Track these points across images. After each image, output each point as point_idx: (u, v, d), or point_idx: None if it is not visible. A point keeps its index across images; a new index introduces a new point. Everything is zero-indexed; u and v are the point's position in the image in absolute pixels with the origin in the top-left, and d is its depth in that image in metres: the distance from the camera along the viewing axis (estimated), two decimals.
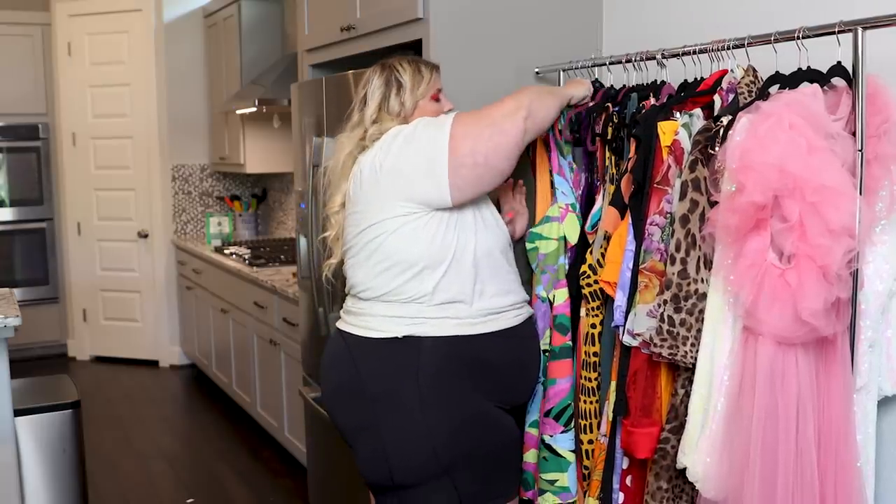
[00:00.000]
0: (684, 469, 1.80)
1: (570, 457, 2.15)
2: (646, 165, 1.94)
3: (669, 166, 1.88)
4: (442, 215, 1.97)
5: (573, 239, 2.18)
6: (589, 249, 2.12)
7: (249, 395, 4.51)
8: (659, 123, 1.92)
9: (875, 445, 1.80)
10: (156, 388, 5.52)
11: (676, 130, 1.88)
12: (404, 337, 1.96)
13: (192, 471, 4.14)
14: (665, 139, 1.90)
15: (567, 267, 2.20)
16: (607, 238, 2.06)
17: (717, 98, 1.91)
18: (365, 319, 2.02)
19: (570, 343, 2.17)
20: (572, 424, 2.14)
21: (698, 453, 1.75)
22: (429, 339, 1.96)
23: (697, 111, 1.91)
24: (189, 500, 3.76)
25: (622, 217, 2.01)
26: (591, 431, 2.12)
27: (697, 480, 1.75)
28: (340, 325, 2.11)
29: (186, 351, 5.86)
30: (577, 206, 2.24)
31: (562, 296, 2.18)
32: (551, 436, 2.17)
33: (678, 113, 1.95)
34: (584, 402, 2.13)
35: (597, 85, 2.31)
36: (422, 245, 1.96)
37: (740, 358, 1.70)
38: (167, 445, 4.47)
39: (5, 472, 2.83)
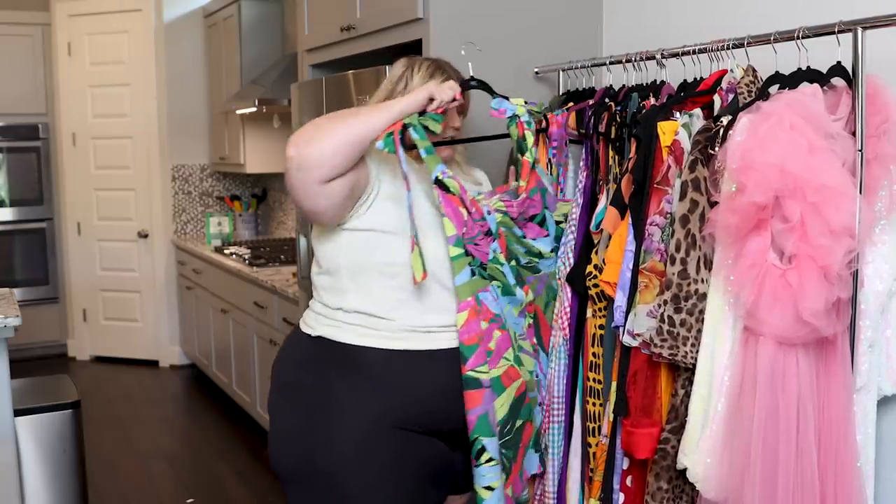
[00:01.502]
0: (685, 469, 1.80)
1: (485, 494, 1.90)
2: (646, 165, 1.94)
3: (669, 166, 1.88)
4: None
5: (418, 275, 1.84)
6: (594, 249, 2.12)
7: (249, 395, 4.51)
8: (659, 123, 1.92)
9: (875, 445, 1.80)
10: (156, 388, 5.52)
11: (676, 130, 1.89)
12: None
13: (192, 471, 4.14)
14: (665, 139, 1.90)
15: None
16: (610, 237, 2.06)
17: (716, 98, 1.91)
18: None
19: (471, 373, 1.90)
20: (482, 459, 1.87)
21: (699, 454, 1.75)
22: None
23: (697, 111, 1.91)
24: (189, 500, 3.76)
25: (622, 217, 2.01)
26: (597, 434, 2.11)
27: (698, 481, 1.75)
28: None
29: (186, 351, 5.86)
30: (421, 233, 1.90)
31: (462, 318, 1.90)
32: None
33: (678, 113, 1.95)
34: (591, 404, 2.13)
35: (468, 81, 2.07)
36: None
37: (741, 358, 1.70)
38: (167, 445, 4.47)
39: (5, 472, 2.83)
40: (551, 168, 2.32)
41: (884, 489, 1.92)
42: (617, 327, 1.98)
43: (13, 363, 2.95)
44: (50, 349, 6.20)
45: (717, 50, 1.96)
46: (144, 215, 5.95)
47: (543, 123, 2.27)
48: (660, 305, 1.83)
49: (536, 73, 2.64)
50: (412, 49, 2.65)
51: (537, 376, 2.13)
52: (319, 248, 1.97)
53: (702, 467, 1.74)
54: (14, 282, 6.02)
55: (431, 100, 1.89)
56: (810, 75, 1.77)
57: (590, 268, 2.10)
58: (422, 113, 1.89)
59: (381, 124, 1.81)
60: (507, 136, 2.14)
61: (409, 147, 1.88)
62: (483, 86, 2.10)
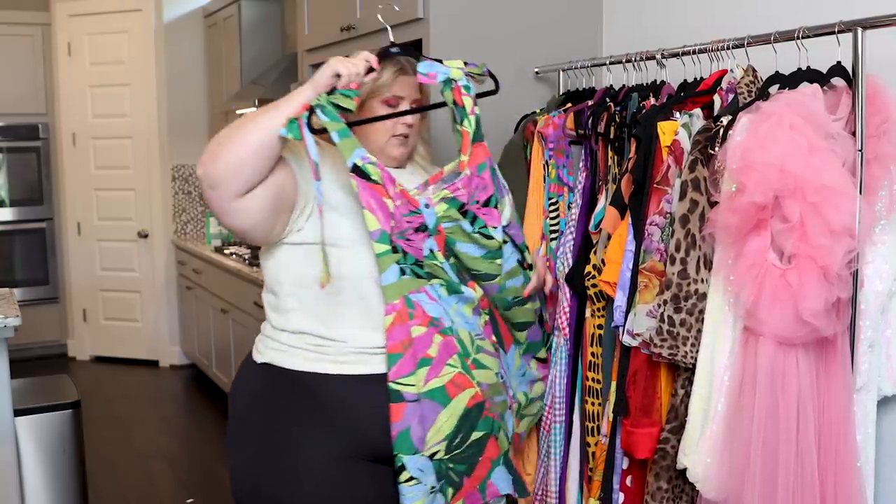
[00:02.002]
0: (684, 469, 1.80)
1: None
2: (645, 165, 1.94)
3: (669, 166, 1.88)
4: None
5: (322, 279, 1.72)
6: (593, 249, 2.12)
7: None
8: (659, 123, 1.92)
9: (875, 445, 1.80)
10: (156, 388, 5.52)
11: (676, 130, 1.88)
12: None
13: (192, 471, 4.14)
14: (665, 139, 1.90)
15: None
16: (610, 238, 2.06)
17: (716, 98, 1.91)
18: None
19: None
20: (401, 478, 1.72)
21: (699, 454, 1.75)
22: None
23: (697, 111, 1.91)
24: (189, 500, 3.76)
25: (622, 217, 2.01)
26: (597, 434, 2.11)
27: (698, 481, 1.75)
28: None
29: (186, 351, 5.86)
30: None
31: (386, 322, 1.75)
32: None
33: (678, 113, 1.95)
34: (590, 403, 2.13)
35: (389, 49, 1.83)
36: None
37: (741, 358, 1.71)
38: (167, 445, 4.47)
39: (5, 472, 2.83)
40: (548, 170, 2.32)
41: (884, 489, 1.91)
42: (617, 327, 1.98)
43: (13, 363, 2.95)
44: (50, 349, 6.20)
45: (718, 50, 1.96)
46: (144, 215, 5.95)
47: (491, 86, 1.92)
48: (659, 305, 1.83)
49: (536, 73, 2.64)
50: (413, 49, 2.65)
51: (502, 378, 1.88)
52: (263, 265, 1.83)
53: (702, 467, 1.74)
54: (14, 282, 6.02)
55: (339, 76, 1.67)
56: (810, 75, 1.77)
57: (588, 268, 2.10)
58: (331, 92, 1.67)
59: (284, 120, 1.62)
60: (442, 104, 1.84)
61: (320, 131, 1.66)
62: (407, 51, 1.84)
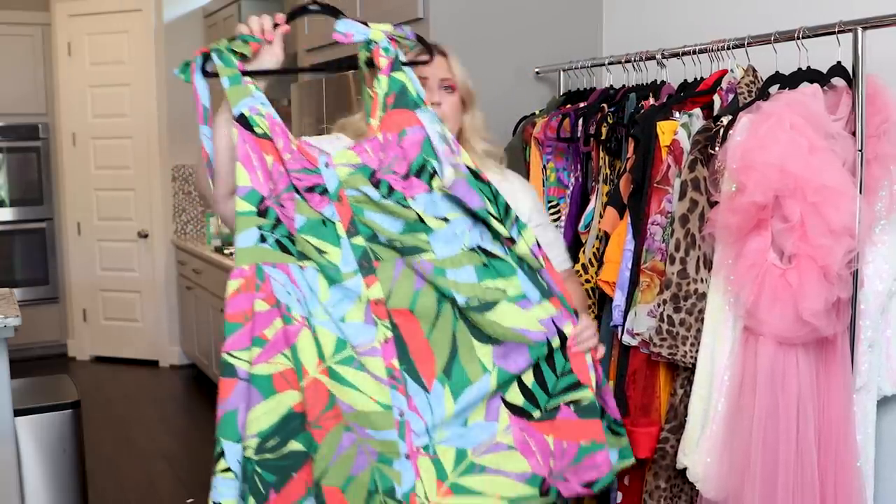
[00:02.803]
0: (683, 469, 1.80)
1: None
2: (644, 165, 1.94)
3: (669, 166, 1.88)
4: None
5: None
6: (581, 249, 2.12)
7: None
8: (658, 123, 1.92)
9: (874, 445, 1.80)
10: (156, 388, 5.51)
11: (676, 130, 1.88)
12: None
13: (192, 471, 4.14)
14: (664, 139, 1.90)
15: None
16: (600, 238, 2.06)
17: (716, 98, 1.91)
18: None
19: None
20: (218, 467, 1.54)
21: (698, 453, 1.75)
22: None
23: (697, 111, 1.91)
24: (189, 500, 3.75)
25: (621, 217, 2.01)
26: None
27: (698, 480, 1.75)
28: None
29: (186, 351, 5.86)
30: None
31: (231, 287, 1.56)
32: None
33: (677, 113, 1.95)
34: None
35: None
36: None
37: (741, 358, 1.70)
38: (167, 445, 4.47)
39: (5, 472, 2.83)
40: (547, 174, 2.32)
41: (883, 489, 1.91)
42: (616, 326, 1.98)
43: (13, 363, 2.94)
44: (50, 349, 6.20)
45: (718, 50, 1.96)
46: (144, 215, 5.95)
47: (422, 56, 1.73)
48: (659, 305, 1.83)
49: (537, 73, 2.64)
50: None
51: (401, 415, 1.53)
52: None
53: (702, 467, 1.74)
54: (14, 282, 6.02)
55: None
56: (810, 75, 1.77)
57: (577, 266, 2.11)
58: (233, 39, 1.57)
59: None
60: (353, 66, 1.69)
61: (213, 74, 1.57)
62: (326, 9, 1.68)
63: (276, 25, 1.61)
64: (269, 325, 1.52)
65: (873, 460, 1.79)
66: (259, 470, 1.52)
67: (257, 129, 1.53)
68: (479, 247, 1.59)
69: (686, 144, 1.86)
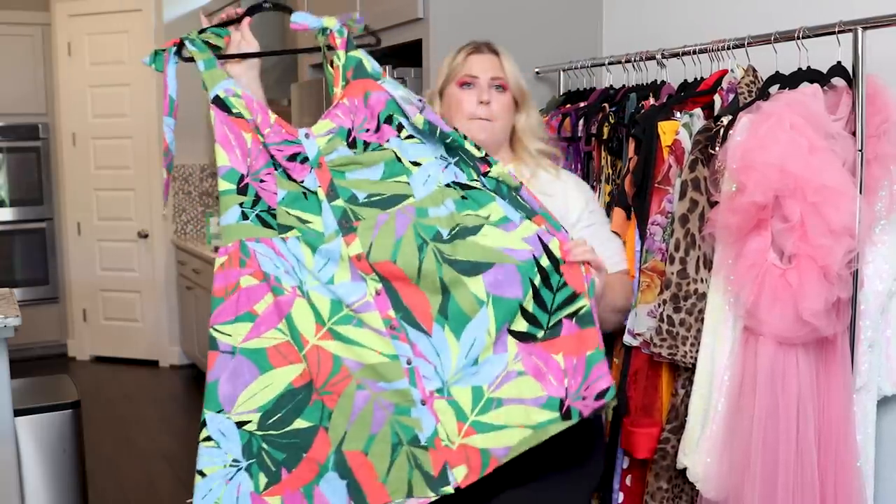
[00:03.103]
0: (684, 469, 1.80)
1: (196, 478, 1.67)
2: (646, 166, 1.94)
3: (670, 166, 1.88)
4: None
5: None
6: None
7: None
8: (659, 123, 1.92)
9: (875, 445, 1.80)
10: (156, 388, 5.51)
11: (677, 130, 1.88)
12: None
13: (192, 471, 4.13)
14: (666, 139, 1.90)
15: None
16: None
17: (717, 98, 1.91)
18: None
19: None
20: (200, 436, 1.64)
21: (699, 453, 1.75)
22: None
23: (697, 111, 1.91)
24: (189, 500, 3.75)
25: (628, 217, 2.01)
26: None
27: (698, 481, 1.75)
28: None
29: (186, 351, 5.86)
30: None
31: (217, 263, 1.65)
32: None
33: (678, 113, 1.95)
34: None
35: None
36: None
37: (741, 358, 1.70)
38: (167, 445, 4.47)
39: (5, 472, 2.82)
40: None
41: (884, 489, 1.91)
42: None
43: (13, 363, 2.94)
44: (50, 349, 6.20)
45: (718, 50, 1.96)
46: (144, 215, 5.95)
47: (370, 41, 1.85)
48: (659, 305, 1.82)
49: (537, 73, 2.64)
50: (412, 49, 2.65)
51: (409, 362, 1.56)
52: None
53: (702, 467, 1.74)
54: (14, 282, 6.02)
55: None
56: (810, 75, 1.77)
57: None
58: (202, 31, 1.70)
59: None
60: (317, 49, 1.77)
61: (188, 59, 1.66)
62: (278, 6, 1.79)
63: (239, 20, 1.71)
64: (260, 300, 1.56)
65: (873, 460, 1.79)
66: (266, 447, 1.56)
67: (234, 110, 1.58)
68: (455, 181, 1.63)
69: (687, 144, 1.86)
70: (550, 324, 1.58)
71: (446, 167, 1.64)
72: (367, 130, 1.63)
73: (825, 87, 1.75)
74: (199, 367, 5.55)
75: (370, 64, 1.69)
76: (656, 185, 1.90)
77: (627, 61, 2.22)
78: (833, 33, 1.71)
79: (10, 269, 6.10)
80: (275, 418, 1.56)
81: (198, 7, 5.89)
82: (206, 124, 5.97)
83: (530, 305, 1.58)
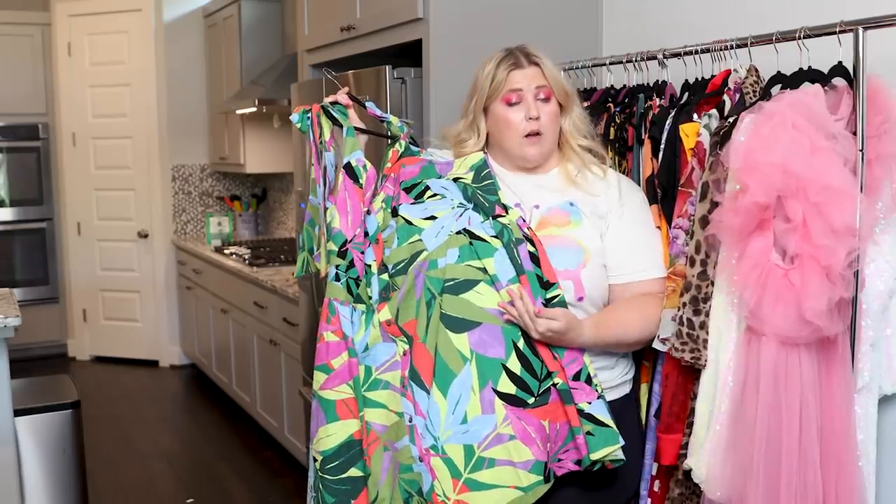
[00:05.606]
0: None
1: None
2: (669, 169, 1.92)
3: (693, 168, 1.87)
4: None
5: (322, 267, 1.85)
6: None
7: (249, 395, 4.51)
8: (681, 126, 1.90)
9: (876, 445, 1.80)
10: (156, 388, 5.51)
11: (699, 132, 1.87)
12: None
13: (192, 471, 4.14)
14: (688, 142, 1.88)
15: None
16: None
17: (726, 98, 1.90)
18: None
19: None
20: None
21: (703, 454, 1.75)
22: None
23: (714, 112, 1.89)
24: (189, 500, 3.75)
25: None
26: None
27: (702, 481, 1.75)
28: None
29: (186, 351, 5.86)
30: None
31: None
32: None
33: (695, 114, 1.93)
34: None
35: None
36: None
37: (744, 358, 1.70)
38: (167, 445, 4.47)
39: (5, 472, 2.82)
40: None
41: (885, 489, 1.91)
42: None
43: (13, 363, 2.94)
44: (50, 349, 6.20)
45: (720, 50, 1.96)
46: (144, 215, 5.95)
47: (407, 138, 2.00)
48: (679, 308, 1.80)
49: None
50: (412, 49, 2.65)
51: (410, 421, 1.63)
52: None
53: (706, 468, 1.74)
54: (14, 282, 6.02)
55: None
56: (812, 75, 1.77)
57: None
58: (333, 104, 1.88)
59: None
60: (392, 138, 1.97)
61: (335, 122, 1.86)
62: (355, 99, 1.99)
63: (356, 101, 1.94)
64: (338, 356, 1.72)
65: (874, 460, 1.79)
66: (321, 486, 1.72)
67: (360, 180, 1.79)
68: (466, 229, 1.70)
69: (709, 146, 1.85)
70: (540, 391, 1.63)
71: (461, 215, 1.74)
72: (395, 198, 1.82)
73: (826, 87, 1.75)
74: (199, 368, 5.55)
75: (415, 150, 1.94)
76: (680, 188, 1.88)
77: (629, 61, 2.22)
78: (834, 33, 1.70)
79: (10, 269, 6.10)
80: (333, 464, 1.70)
81: (198, 7, 5.89)
82: (206, 125, 5.97)
83: (517, 368, 1.62)
